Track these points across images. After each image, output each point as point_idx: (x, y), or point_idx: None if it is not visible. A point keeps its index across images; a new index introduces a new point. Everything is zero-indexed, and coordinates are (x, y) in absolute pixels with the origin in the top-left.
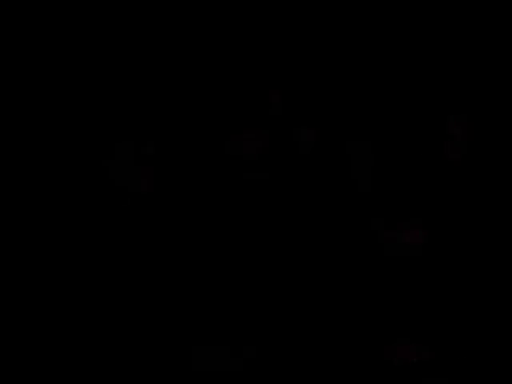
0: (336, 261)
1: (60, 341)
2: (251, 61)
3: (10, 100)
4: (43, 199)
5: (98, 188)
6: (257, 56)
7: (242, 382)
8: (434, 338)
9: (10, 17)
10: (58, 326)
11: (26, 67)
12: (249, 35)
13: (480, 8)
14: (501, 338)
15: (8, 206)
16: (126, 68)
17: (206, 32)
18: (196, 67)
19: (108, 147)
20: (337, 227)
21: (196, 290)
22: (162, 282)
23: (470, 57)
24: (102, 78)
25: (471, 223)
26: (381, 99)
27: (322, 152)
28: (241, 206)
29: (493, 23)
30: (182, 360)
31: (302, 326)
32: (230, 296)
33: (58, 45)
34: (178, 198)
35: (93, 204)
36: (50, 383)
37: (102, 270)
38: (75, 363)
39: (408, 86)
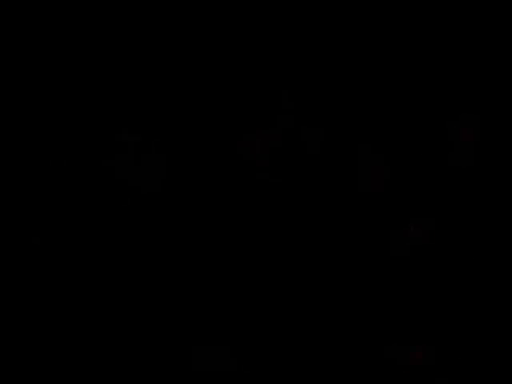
0: (342, 261)
1: (60, 339)
2: (263, 61)
3: (15, 98)
4: (52, 198)
5: (106, 187)
6: (269, 57)
7: (242, 382)
8: (437, 338)
9: (11, 16)
10: (60, 325)
11: (32, 66)
12: (260, 35)
13: (486, 13)
14: (505, 340)
15: (16, 205)
16: (137, 67)
17: (219, 33)
18: (207, 67)
19: (118, 146)
20: (343, 227)
21: (199, 289)
22: (165, 282)
23: (478, 62)
24: (114, 78)
25: (478, 226)
26: (389, 102)
27: (330, 152)
28: (249, 206)
29: (501, 28)
30: (181, 360)
31: (305, 326)
32: (234, 296)
33: (65, 45)
34: (187, 198)
35: (102, 203)
36: (48, 383)
37: (106, 270)
38: (74, 362)
39: (417, 89)
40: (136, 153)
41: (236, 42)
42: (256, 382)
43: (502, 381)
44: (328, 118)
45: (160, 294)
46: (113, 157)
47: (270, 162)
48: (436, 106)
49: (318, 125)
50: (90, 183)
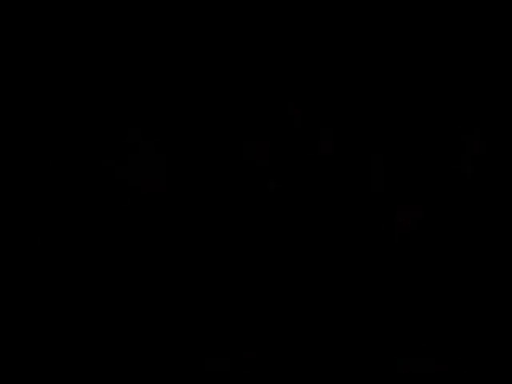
0: (350, 268)
1: (74, 349)
2: (271, 64)
3: (19, 99)
4: (52, 198)
5: (107, 187)
6: (277, 64)
7: None
8: (446, 350)
9: (16, 17)
10: (70, 332)
11: (38, 67)
12: (268, 39)
13: (499, 24)
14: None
15: (19, 206)
16: (142, 69)
17: (228, 37)
18: (214, 69)
19: (122, 147)
20: (351, 235)
21: (199, 290)
22: (164, 283)
23: (487, 72)
24: (117, 80)
25: (486, 235)
26: (398, 112)
27: (339, 159)
28: (252, 208)
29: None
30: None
31: (314, 339)
32: (240, 301)
33: (68, 45)
34: (189, 200)
35: (102, 203)
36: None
37: (107, 271)
38: (85, 369)
39: (426, 98)
40: (136, 153)
41: (244, 44)
42: None
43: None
44: (336, 122)
45: (157, 294)
46: (113, 157)
47: (274, 164)
48: (443, 118)
49: (327, 125)
50: (91, 183)
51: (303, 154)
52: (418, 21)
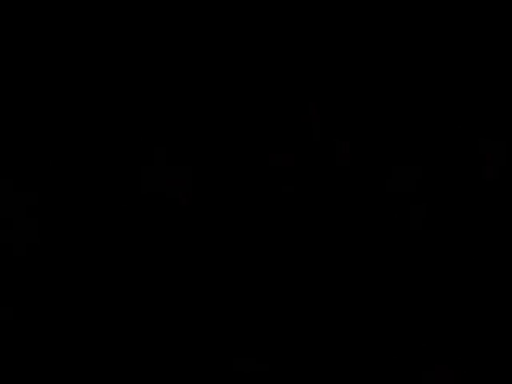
0: (371, 275)
1: (95, 352)
2: (292, 75)
3: (51, 106)
4: (80, 206)
5: (133, 199)
6: (297, 69)
7: None
8: (471, 362)
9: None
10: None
11: (63, 80)
12: (289, 49)
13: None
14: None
15: (52, 210)
16: (169, 85)
17: (249, 46)
18: (238, 80)
19: (147, 157)
20: (371, 240)
21: (226, 298)
22: (190, 291)
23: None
24: (146, 93)
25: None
26: (418, 117)
27: (358, 165)
28: (279, 218)
29: None
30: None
31: (336, 349)
32: (265, 308)
33: (97, 57)
34: (215, 210)
35: (129, 214)
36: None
37: (135, 281)
38: (108, 373)
39: (447, 106)
40: (165, 164)
41: (264, 58)
42: None
43: None
44: (355, 131)
45: (185, 298)
46: (144, 167)
47: (296, 173)
48: (462, 126)
49: (345, 137)
50: (117, 195)
51: (321, 165)
52: (442, 34)
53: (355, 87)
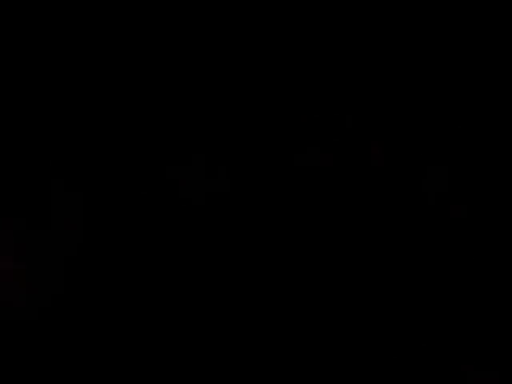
0: (411, 275)
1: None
2: (327, 77)
3: (89, 109)
4: (116, 204)
5: (169, 202)
6: (332, 73)
7: None
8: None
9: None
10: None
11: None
12: (323, 55)
13: None
14: None
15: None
16: (199, 83)
17: (288, 53)
18: (273, 86)
19: (179, 159)
20: (401, 239)
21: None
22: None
23: None
24: (178, 92)
25: None
26: (448, 119)
27: (391, 167)
28: (313, 221)
29: None
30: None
31: (362, 351)
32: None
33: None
34: (244, 210)
35: (159, 213)
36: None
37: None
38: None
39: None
40: (195, 166)
41: (296, 61)
42: None
43: None
44: (388, 133)
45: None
46: (174, 169)
47: (329, 173)
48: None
49: (378, 139)
50: (151, 192)
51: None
52: (464, 40)
53: (388, 88)
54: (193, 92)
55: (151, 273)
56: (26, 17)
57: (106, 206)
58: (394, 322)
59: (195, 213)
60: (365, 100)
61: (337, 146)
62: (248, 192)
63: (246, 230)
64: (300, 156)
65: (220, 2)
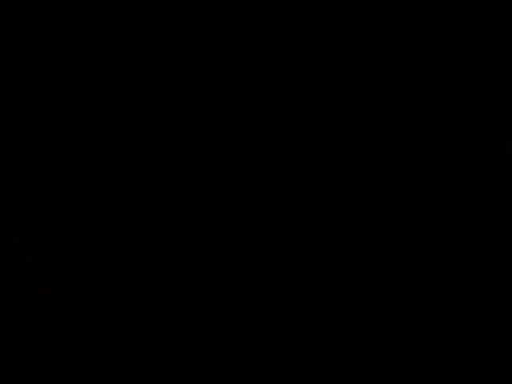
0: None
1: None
2: (315, 79)
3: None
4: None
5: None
6: (324, 74)
7: None
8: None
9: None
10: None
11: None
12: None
13: None
14: None
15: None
16: (195, 83)
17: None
18: (265, 84)
19: (177, 159)
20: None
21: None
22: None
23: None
24: (175, 92)
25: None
26: (437, 121)
27: (380, 171)
28: (306, 220)
29: None
30: None
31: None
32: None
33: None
34: (238, 209)
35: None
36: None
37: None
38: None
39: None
40: (191, 165)
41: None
42: None
43: None
44: (377, 135)
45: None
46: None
47: (322, 174)
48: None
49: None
50: (148, 190)
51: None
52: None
53: (381, 90)
54: (187, 91)
55: (144, 272)
56: (26, 17)
57: (96, 206)
58: (392, 322)
59: (188, 212)
60: (355, 101)
61: (331, 147)
62: (241, 192)
63: (239, 229)
64: (297, 156)
65: (219, 1)
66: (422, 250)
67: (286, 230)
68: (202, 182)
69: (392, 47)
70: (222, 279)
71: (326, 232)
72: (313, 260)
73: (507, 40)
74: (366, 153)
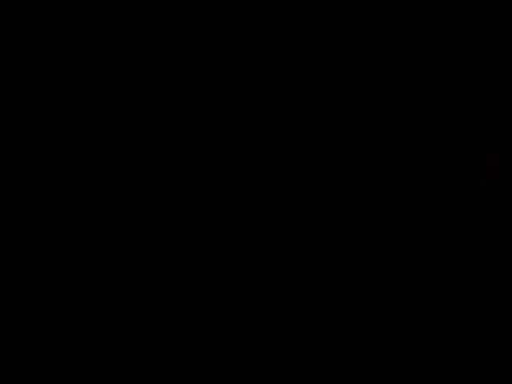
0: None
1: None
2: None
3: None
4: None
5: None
6: (299, 76)
7: None
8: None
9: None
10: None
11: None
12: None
13: None
14: None
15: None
16: (174, 83)
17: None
18: (246, 90)
19: (146, 160)
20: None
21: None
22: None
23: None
24: (152, 94)
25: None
26: (420, 128)
27: (360, 176)
28: (285, 222)
29: None
30: None
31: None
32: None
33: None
34: (206, 213)
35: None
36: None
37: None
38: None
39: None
40: (164, 166)
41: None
42: None
43: None
44: (361, 142)
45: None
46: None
47: (298, 181)
48: (464, 133)
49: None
50: (116, 195)
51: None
52: (454, 43)
53: (359, 96)
54: (173, 90)
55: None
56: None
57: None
58: (377, 322)
59: (161, 213)
60: (335, 102)
61: (309, 147)
62: (217, 192)
63: (216, 229)
64: (276, 156)
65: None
66: (404, 250)
67: (265, 229)
68: (176, 182)
69: (372, 47)
70: (202, 279)
71: (305, 231)
72: (297, 259)
73: (490, 46)
74: (340, 153)
